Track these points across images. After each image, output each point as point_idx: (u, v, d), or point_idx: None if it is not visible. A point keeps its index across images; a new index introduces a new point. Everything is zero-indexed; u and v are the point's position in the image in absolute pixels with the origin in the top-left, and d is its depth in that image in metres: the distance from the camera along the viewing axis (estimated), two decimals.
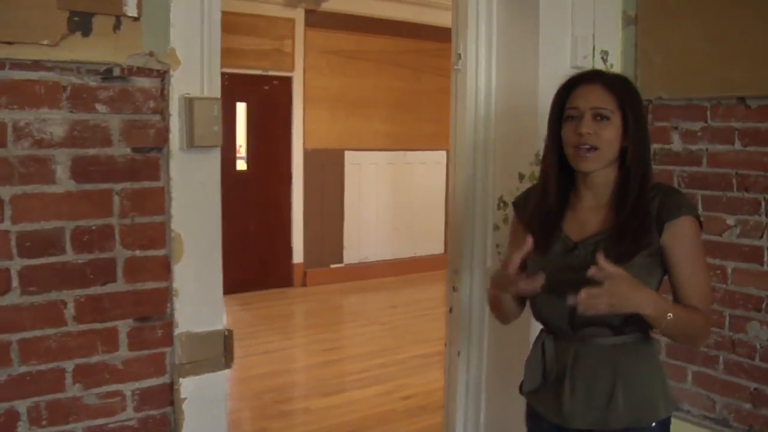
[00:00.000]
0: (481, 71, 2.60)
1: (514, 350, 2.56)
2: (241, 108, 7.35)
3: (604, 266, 1.52)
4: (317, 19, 7.54)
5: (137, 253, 1.78)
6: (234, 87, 7.46)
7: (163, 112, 1.79)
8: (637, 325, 1.67)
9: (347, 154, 7.89)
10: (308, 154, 7.60)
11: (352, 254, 8.01)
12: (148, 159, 1.78)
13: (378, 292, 7.58)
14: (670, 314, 1.60)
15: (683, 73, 2.55)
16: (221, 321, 1.88)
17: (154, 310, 1.82)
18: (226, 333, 1.89)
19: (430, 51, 8.34)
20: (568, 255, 1.72)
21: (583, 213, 1.75)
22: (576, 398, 1.70)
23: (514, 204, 1.92)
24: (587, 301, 1.51)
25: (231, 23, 7.02)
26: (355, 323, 6.35)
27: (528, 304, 1.84)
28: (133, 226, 1.77)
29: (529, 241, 1.64)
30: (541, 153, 1.93)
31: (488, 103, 2.61)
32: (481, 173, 2.65)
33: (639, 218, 1.68)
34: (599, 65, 2.67)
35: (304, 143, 7.61)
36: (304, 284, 7.64)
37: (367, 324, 6.26)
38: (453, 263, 2.76)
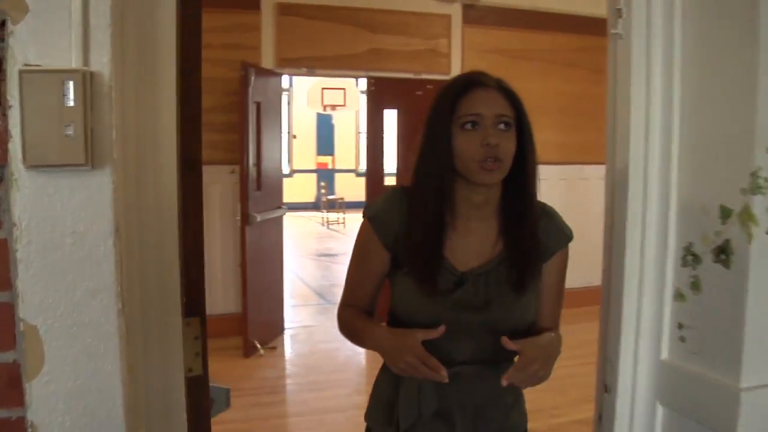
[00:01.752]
0: (655, 35, 1.56)
1: None
2: (390, 116, 6.60)
3: (511, 347, 1.45)
4: (476, 15, 6.64)
5: None
6: (382, 93, 6.72)
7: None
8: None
9: None
10: None
11: None
12: None
13: None
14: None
15: None
16: None
17: None
18: None
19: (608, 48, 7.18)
20: (457, 289, 1.55)
21: (464, 237, 1.58)
22: (468, 427, 1.59)
23: (371, 218, 1.63)
24: (523, 384, 1.48)
25: (378, 22, 6.30)
26: None
27: None
28: None
29: (442, 329, 1.46)
30: (763, 170, 1.36)
31: (667, 88, 1.56)
32: (656, 203, 1.62)
33: (535, 244, 1.57)
34: None
35: None
36: None
37: None
38: (607, 347, 1.74)
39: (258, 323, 5.63)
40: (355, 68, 6.30)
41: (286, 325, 6.36)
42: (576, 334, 6.40)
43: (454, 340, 1.53)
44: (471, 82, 1.55)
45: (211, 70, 5.84)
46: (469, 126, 1.51)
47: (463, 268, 1.56)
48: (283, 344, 5.94)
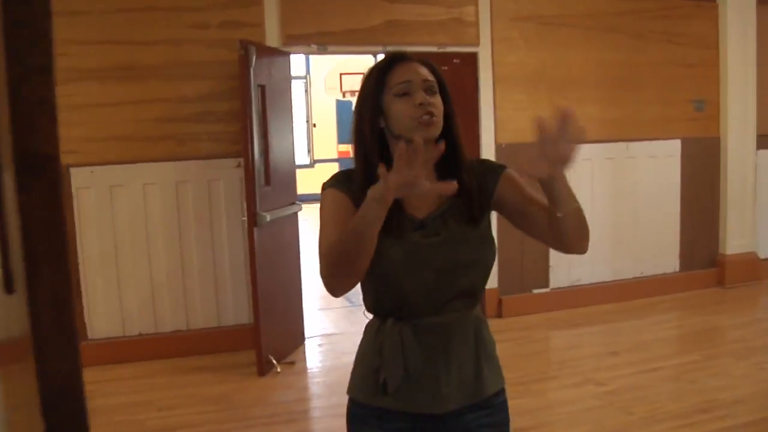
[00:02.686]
0: None
1: None
2: None
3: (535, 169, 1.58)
4: None
5: None
6: None
7: None
8: (481, 292, 1.82)
9: None
10: (502, 150, 6.01)
11: (560, 276, 6.32)
12: None
13: (593, 327, 5.79)
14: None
15: None
16: None
17: None
18: None
19: (654, 11, 6.47)
20: (419, 233, 1.74)
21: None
22: (452, 380, 1.74)
23: (333, 184, 1.82)
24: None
25: None
26: (561, 381, 4.60)
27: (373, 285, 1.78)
28: None
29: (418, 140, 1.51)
30: None
31: None
32: None
33: (476, 183, 1.78)
34: None
35: (495, 136, 6.05)
36: (498, 315, 6.06)
37: (578, 383, 4.51)
38: None
39: (273, 335, 4.98)
40: (372, 43, 5.58)
41: (307, 333, 5.71)
42: (630, 334, 5.70)
43: (419, 269, 1.70)
44: (395, 59, 1.79)
45: (209, 53, 5.19)
46: (401, 94, 1.73)
47: (421, 216, 1.76)
48: (303, 357, 5.29)
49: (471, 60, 5.87)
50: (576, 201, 1.64)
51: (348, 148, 15.49)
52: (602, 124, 6.36)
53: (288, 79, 5.39)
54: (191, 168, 5.25)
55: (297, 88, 16.33)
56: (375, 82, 1.77)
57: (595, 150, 6.35)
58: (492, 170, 1.83)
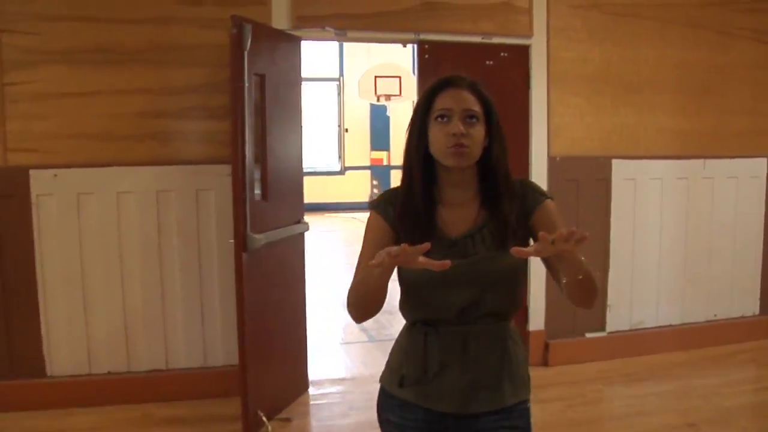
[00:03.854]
0: None
1: None
2: None
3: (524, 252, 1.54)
4: None
5: None
6: (440, 61, 4.98)
7: None
8: (512, 312, 1.87)
9: (616, 163, 5.26)
10: (555, 164, 5.06)
11: (619, 317, 5.35)
12: None
13: (660, 385, 4.72)
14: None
15: None
16: None
17: None
18: None
19: (743, 4, 5.47)
20: (449, 250, 1.77)
21: (451, 210, 1.85)
22: (468, 385, 1.80)
23: (376, 207, 1.90)
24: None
25: None
26: None
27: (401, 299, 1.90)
28: None
29: (427, 245, 1.52)
30: None
31: None
32: None
33: (511, 210, 1.82)
34: None
35: (549, 147, 5.08)
36: (544, 362, 5.09)
37: None
38: None
39: (266, 384, 4.02)
40: (402, 29, 4.62)
41: (314, 375, 4.74)
42: (708, 398, 4.23)
43: (446, 287, 1.77)
44: (446, 83, 1.82)
45: (202, 35, 4.26)
46: (440, 119, 1.79)
47: (454, 234, 1.82)
48: (305, 411, 4.29)
49: (522, 54, 4.89)
50: (582, 272, 1.61)
51: (382, 156, 14.59)
52: (676, 137, 5.34)
53: (297, 69, 4.42)
54: (176, 174, 4.34)
55: (329, 90, 15.54)
56: (423, 103, 1.84)
57: (666, 167, 5.34)
58: (534, 196, 1.87)
